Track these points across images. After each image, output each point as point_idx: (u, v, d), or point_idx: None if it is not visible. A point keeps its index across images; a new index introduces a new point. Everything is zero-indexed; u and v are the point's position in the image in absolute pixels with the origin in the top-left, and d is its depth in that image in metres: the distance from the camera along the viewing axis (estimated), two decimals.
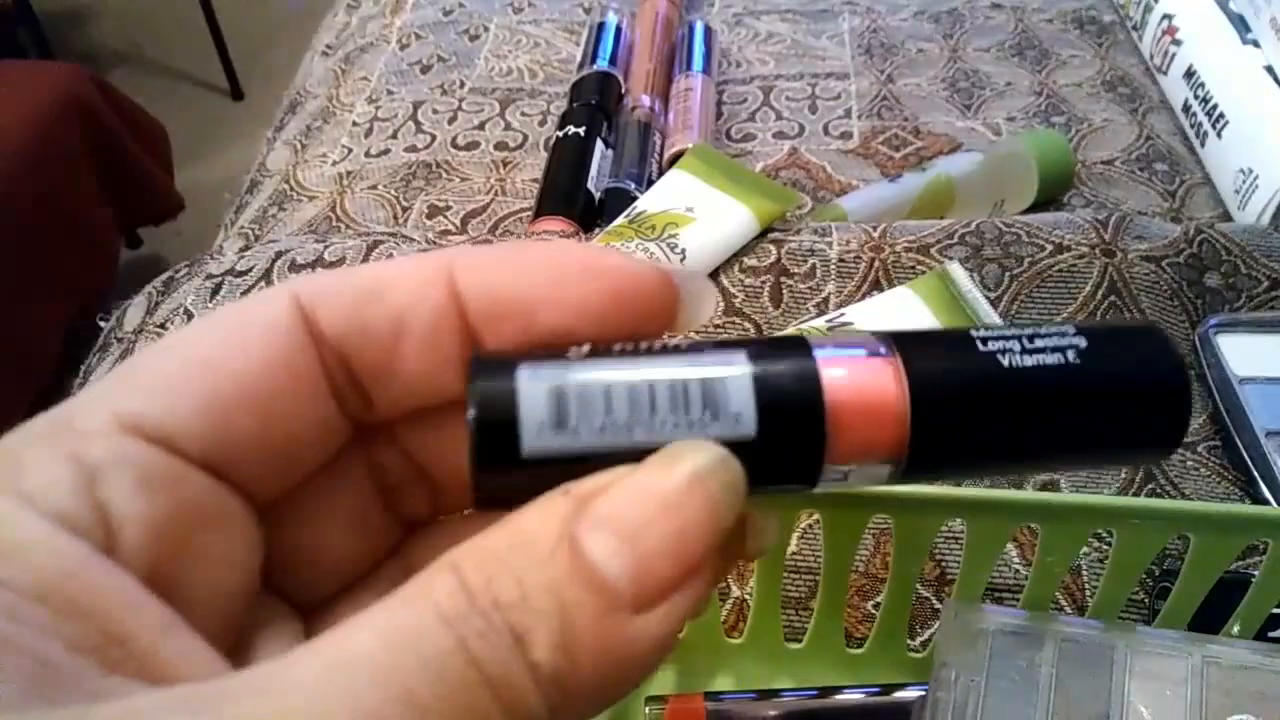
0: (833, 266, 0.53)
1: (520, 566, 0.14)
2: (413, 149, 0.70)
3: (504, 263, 0.17)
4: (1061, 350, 0.17)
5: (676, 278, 0.18)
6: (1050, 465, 0.18)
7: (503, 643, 0.13)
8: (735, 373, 0.16)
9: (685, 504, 0.14)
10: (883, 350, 0.17)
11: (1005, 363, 0.17)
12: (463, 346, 0.17)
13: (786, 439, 0.16)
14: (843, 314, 0.49)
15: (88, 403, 0.15)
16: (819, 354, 0.17)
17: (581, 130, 0.64)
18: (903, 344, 0.17)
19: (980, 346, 0.17)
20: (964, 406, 0.17)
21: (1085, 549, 0.42)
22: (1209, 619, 0.35)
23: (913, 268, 0.52)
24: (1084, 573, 0.42)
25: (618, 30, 0.73)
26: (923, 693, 0.35)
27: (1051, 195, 0.61)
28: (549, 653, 0.13)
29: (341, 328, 0.16)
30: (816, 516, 0.43)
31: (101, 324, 0.61)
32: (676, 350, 0.16)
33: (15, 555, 0.13)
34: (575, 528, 0.14)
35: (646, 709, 0.35)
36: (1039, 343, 0.17)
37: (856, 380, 0.16)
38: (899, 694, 0.35)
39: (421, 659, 0.13)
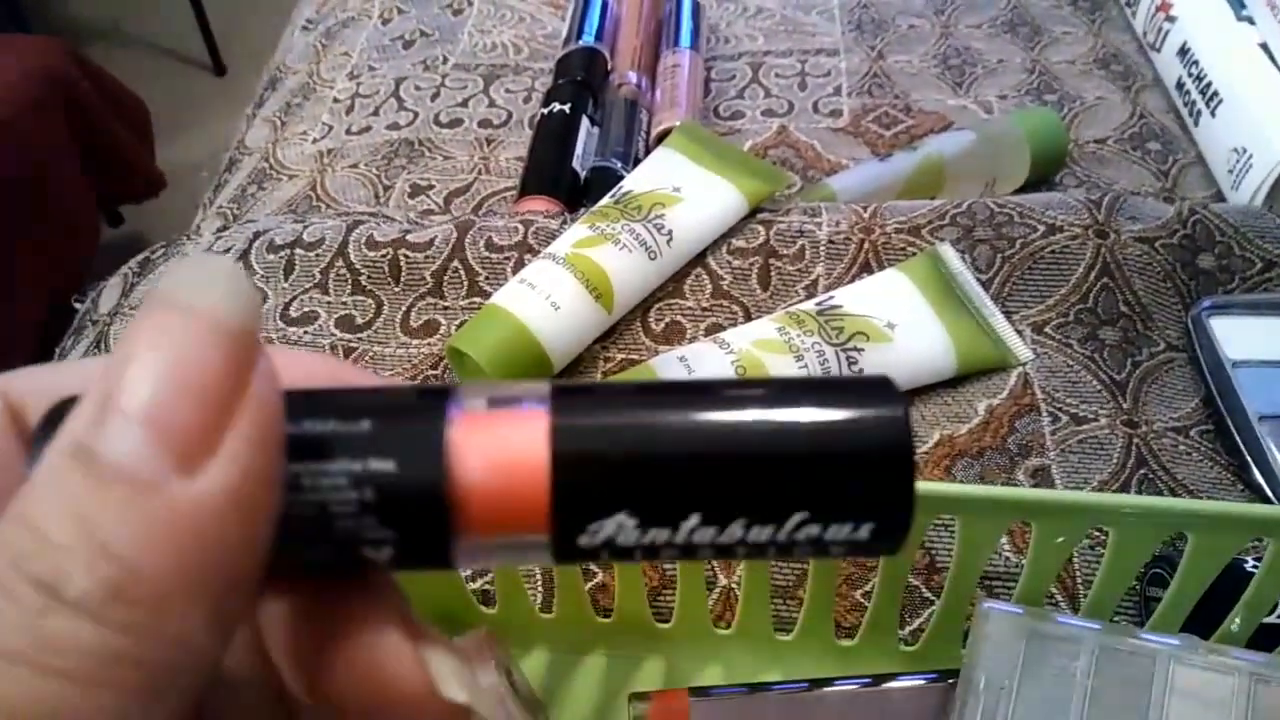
0: (822, 248, 0.52)
1: (30, 515, 0.12)
2: (395, 126, 0.68)
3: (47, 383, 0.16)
4: (759, 400, 0.14)
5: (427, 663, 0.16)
6: (737, 552, 0.15)
7: (25, 593, 0.11)
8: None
9: (167, 326, 0.12)
10: (535, 405, 0.14)
11: (684, 417, 0.14)
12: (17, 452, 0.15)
13: (410, 519, 0.14)
14: (832, 296, 0.48)
15: None
16: (452, 413, 0.14)
17: (567, 107, 0.63)
18: (561, 397, 0.14)
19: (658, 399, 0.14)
20: (620, 474, 0.14)
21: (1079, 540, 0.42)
22: (1207, 613, 0.35)
23: (903, 249, 0.51)
24: (1076, 562, 0.42)
25: (604, 5, 0.72)
26: (918, 683, 0.35)
27: (1044, 174, 0.60)
28: (87, 579, 0.11)
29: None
30: None
31: (77, 306, 0.60)
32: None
33: None
34: (79, 435, 0.12)
35: (630, 705, 0.35)
36: (731, 393, 0.14)
37: (490, 444, 0.14)
38: (889, 685, 0.35)
39: None
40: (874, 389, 0.14)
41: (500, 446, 0.14)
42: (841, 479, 0.14)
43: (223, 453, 0.12)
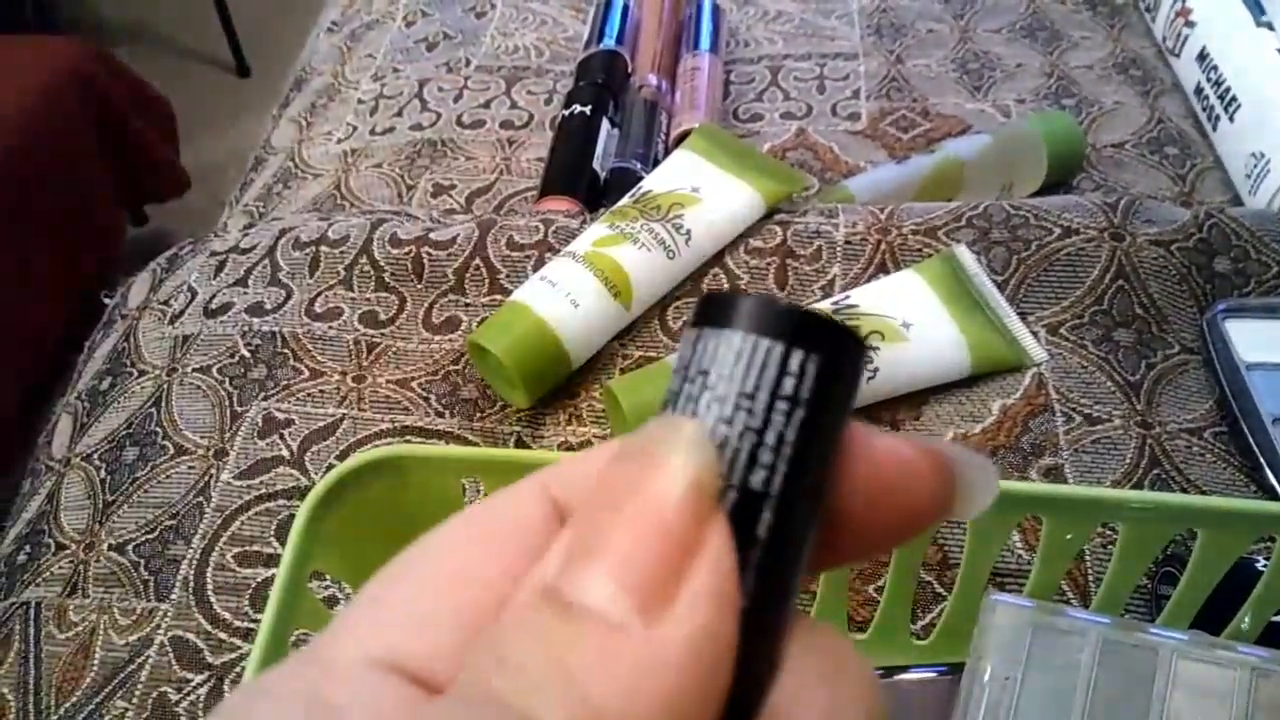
0: (839, 249, 0.53)
1: (503, 647, 0.12)
2: (418, 127, 0.69)
3: None
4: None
5: (953, 463, 0.15)
6: None
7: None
8: None
9: (641, 481, 0.13)
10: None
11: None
12: None
13: None
14: (848, 296, 0.48)
15: (343, 633, 0.14)
16: None
17: (588, 109, 0.64)
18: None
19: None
20: None
21: (1090, 536, 0.42)
22: (1217, 610, 0.35)
23: (920, 250, 0.52)
24: (1088, 559, 0.42)
25: (625, 8, 0.72)
26: (928, 675, 0.35)
27: (1061, 178, 0.60)
28: (560, 712, 0.11)
29: None
30: None
31: (106, 301, 0.61)
32: None
33: None
34: (550, 579, 0.13)
35: None
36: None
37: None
38: (901, 676, 0.35)
39: None
40: None
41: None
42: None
43: (680, 604, 0.12)
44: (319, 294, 0.54)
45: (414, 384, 0.50)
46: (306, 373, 0.51)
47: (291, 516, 0.46)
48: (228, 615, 0.43)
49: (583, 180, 0.60)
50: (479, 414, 0.49)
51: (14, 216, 1.28)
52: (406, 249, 0.54)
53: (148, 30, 2.29)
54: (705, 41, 0.69)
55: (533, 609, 0.12)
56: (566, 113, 0.64)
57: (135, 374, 0.53)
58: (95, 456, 0.50)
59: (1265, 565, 0.34)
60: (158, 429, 0.50)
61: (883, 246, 0.52)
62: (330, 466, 0.47)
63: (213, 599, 0.44)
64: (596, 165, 0.61)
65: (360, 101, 0.73)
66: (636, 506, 0.12)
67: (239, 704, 0.14)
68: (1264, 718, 0.30)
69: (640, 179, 0.55)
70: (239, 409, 0.50)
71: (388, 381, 0.50)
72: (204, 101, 1.99)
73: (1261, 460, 0.44)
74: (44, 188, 1.34)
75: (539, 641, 0.12)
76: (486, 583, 0.14)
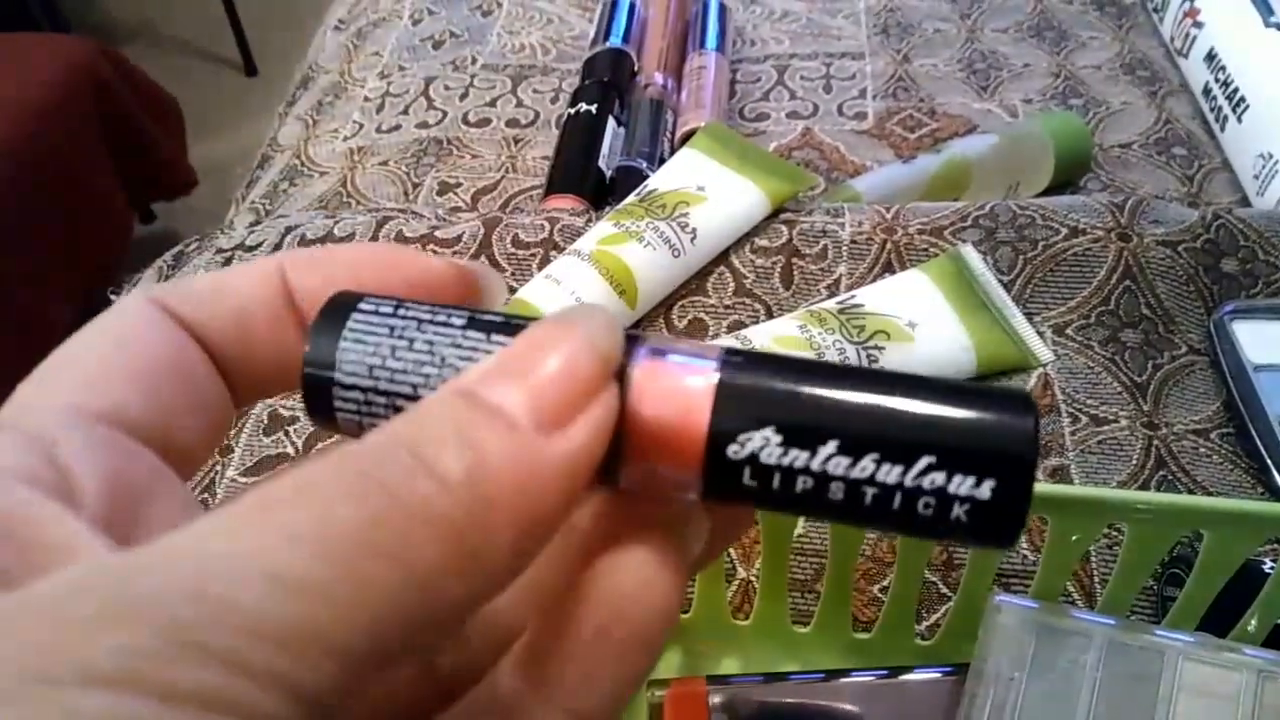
0: (845, 248, 0.52)
1: (419, 420, 0.15)
2: (424, 125, 0.69)
3: (321, 261, 0.19)
4: (909, 377, 0.16)
5: (469, 271, 0.20)
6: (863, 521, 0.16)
7: (399, 457, 0.14)
8: None
9: (562, 339, 0.15)
10: (711, 363, 0.16)
11: (839, 371, 0.16)
12: (298, 334, 0.19)
13: None
14: (854, 295, 0.48)
15: (33, 393, 0.17)
16: (640, 354, 0.16)
17: (593, 107, 0.64)
18: (730, 353, 0.16)
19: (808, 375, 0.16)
20: (772, 396, 0.16)
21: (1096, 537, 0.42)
22: (1223, 613, 0.35)
23: (925, 250, 0.52)
24: (1093, 561, 0.42)
25: (631, 7, 0.72)
26: (933, 676, 0.35)
27: (1068, 178, 0.60)
28: (451, 461, 0.14)
29: (197, 319, 0.19)
30: None
31: (113, 297, 0.61)
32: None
33: None
34: (467, 385, 0.15)
35: (649, 692, 0.35)
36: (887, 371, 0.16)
37: (662, 386, 0.16)
38: (905, 677, 0.35)
39: (322, 485, 0.13)
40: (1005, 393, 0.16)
41: (673, 385, 0.16)
42: (969, 433, 0.15)
43: (572, 427, 0.15)
44: None
45: None
46: None
47: None
48: None
49: (588, 179, 0.60)
50: None
51: (22, 214, 1.28)
52: (412, 246, 0.54)
53: (156, 30, 2.30)
54: (712, 40, 0.69)
55: (446, 398, 0.15)
56: (572, 111, 0.64)
57: None
58: None
59: (1272, 567, 0.34)
60: None
61: (888, 246, 0.52)
62: None
63: None
64: (602, 164, 0.61)
65: (366, 99, 0.73)
66: (557, 353, 0.15)
67: None
68: (1271, 718, 0.30)
69: (646, 177, 0.55)
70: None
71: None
72: (211, 101, 2.00)
73: (1269, 462, 0.44)
74: (52, 185, 1.34)
75: (447, 416, 0.14)
76: (136, 354, 0.18)
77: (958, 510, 0.15)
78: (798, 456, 0.15)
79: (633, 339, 0.17)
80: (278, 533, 0.13)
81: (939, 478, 0.15)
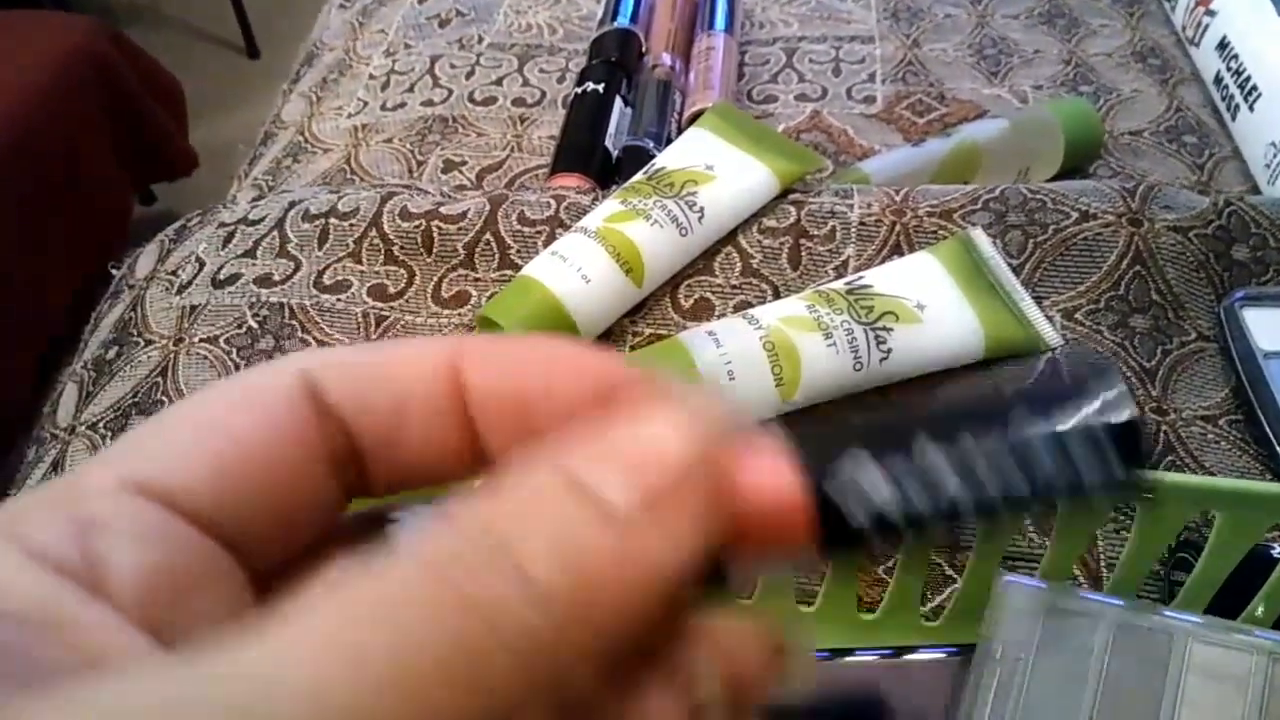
0: (853, 229, 0.52)
1: (512, 501, 0.13)
2: (429, 103, 0.69)
3: (505, 356, 0.17)
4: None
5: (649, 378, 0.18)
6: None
7: (488, 559, 0.12)
8: None
9: (676, 435, 0.14)
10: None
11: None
12: (460, 433, 0.17)
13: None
14: (861, 276, 0.48)
15: (96, 465, 0.16)
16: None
17: (600, 87, 0.63)
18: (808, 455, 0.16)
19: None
20: (852, 432, 0.15)
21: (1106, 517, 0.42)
22: (1231, 598, 0.35)
23: (935, 232, 0.51)
24: (1100, 545, 0.42)
25: None
26: (938, 656, 0.35)
27: (1078, 164, 0.59)
28: (544, 565, 0.13)
29: (347, 404, 0.17)
30: None
31: (113, 272, 0.61)
32: None
33: None
34: (569, 465, 0.14)
35: None
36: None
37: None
38: (910, 657, 0.35)
39: (401, 603, 0.12)
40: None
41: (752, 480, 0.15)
42: (1040, 383, 0.15)
43: (674, 523, 0.14)
44: (328, 266, 0.54)
45: None
46: (314, 344, 0.51)
47: None
48: None
49: (595, 158, 0.60)
50: None
51: (21, 193, 1.27)
52: (417, 223, 0.54)
53: (158, 10, 2.29)
54: (720, 21, 0.68)
55: (545, 474, 0.14)
56: (579, 90, 0.64)
57: (142, 344, 0.52)
58: (101, 425, 0.49)
59: None
60: (164, 398, 0.49)
61: (898, 228, 0.52)
62: None
63: None
64: (609, 143, 0.61)
65: (371, 77, 0.73)
66: (678, 434, 0.14)
67: None
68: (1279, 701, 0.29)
69: (653, 158, 0.55)
70: None
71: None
72: (213, 83, 1.99)
73: (1277, 448, 0.44)
74: (52, 165, 1.33)
75: (540, 500, 0.13)
76: (235, 438, 0.16)
77: (1080, 455, 0.15)
78: (895, 465, 0.15)
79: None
80: (346, 660, 0.12)
81: (1042, 426, 0.15)
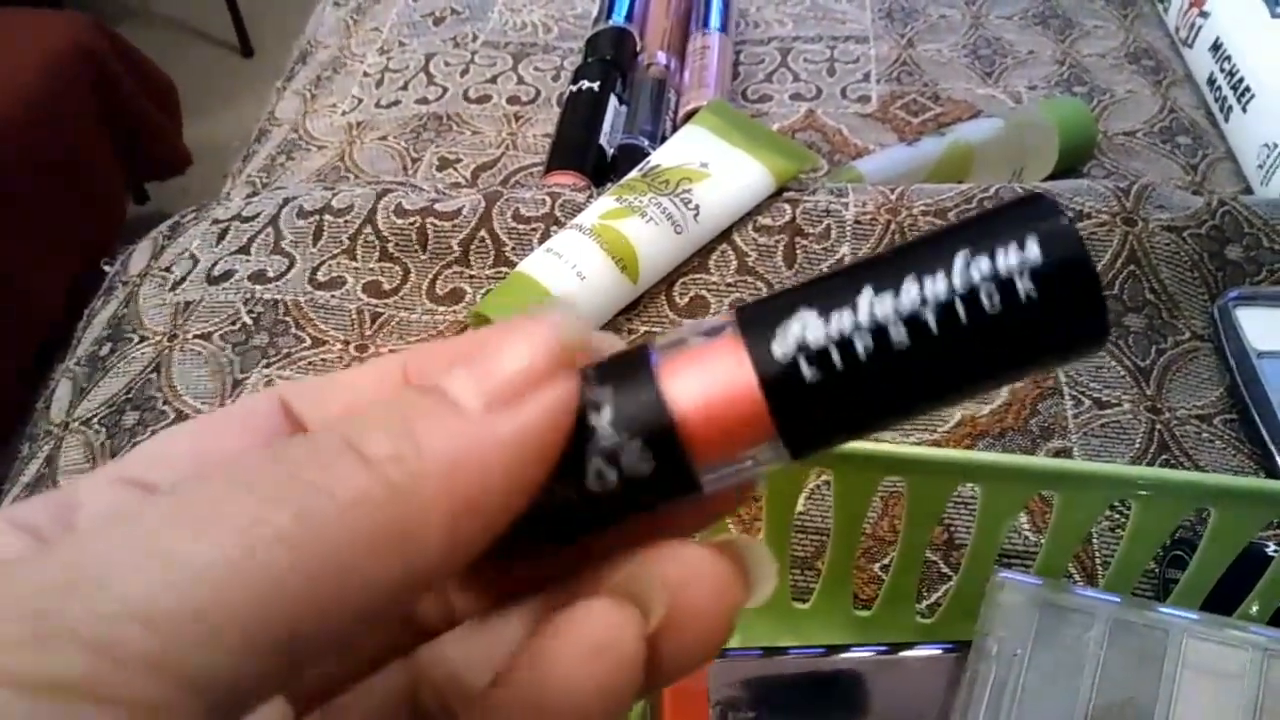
0: (848, 228, 0.52)
1: (364, 409, 0.15)
2: (424, 101, 0.69)
3: (447, 346, 0.18)
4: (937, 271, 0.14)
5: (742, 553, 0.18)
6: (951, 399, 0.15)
7: (333, 448, 0.13)
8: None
9: (520, 329, 0.15)
10: (725, 329, 0.15)
11: (869, 310, 0.15)
12: None
13: (653, 475, 0.15)
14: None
15: (88, 475, 0.16)
16: (656, 363, 0.15)
17: (595, 85, 0.63)
18: (746, 314, 0.15)
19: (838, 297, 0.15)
20: (793, 297, 0.15)
21: (1098, 518, 0.42)
22: (1225, 596, 0.35)
23: None
24: (1095, 542, 0.42)
25: None
26: (934, 652, 0.35)
27: (1072, 164, 0.60)
28: (383, 443, 0.13)
29: (310, 412, 0.18)
30: (825, 477, 0.43)
31: (106, 268, 0.60)
32: None
33: None
34: (428, 382, 0.15)
35: None
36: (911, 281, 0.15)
37: (699, 379, 0.15)
38: (906, 653, 0.35)
39: (245, 483, 0.13)
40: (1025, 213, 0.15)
41: (699, 356, 0.15)
42: (988, 216, 0.14)
43: (517, 410, 0.14)
44: (322, 263, 0.53)
45: None
46: (309, 341, 0.51)
47: None
48: None
49: (590, 155, 0.60)
50: None
51: (15, 192, 1.27)
52: (411, 219, 0.53)
53: (152, 9, 2.28)
54: (715, 20, 0.68)
55: (399, 390, 0.15)
56: (574, 88, 0.64)
57: (136, 340, 0.52)
58: (95, 421, 0.49)
59: (1276, 551, 0.34)
60: (158, 394, 0.49)
61: (892, 226, 0.52)
62: None
63: None
64: (604, 141, 0.61)
65: (365, 74, 0.72)
66: (514, 343, 0.15)
67: None
68: (1275, 699, 0.29)
69: (648, 155, 0.55)
70: (240, 376, 0.50)
71: (390, 351, 0.50)
72: (207, 81, 1.99)
73: (1271, 448, 0.44)
74: (45, 163, 1.33)
75: (392, 405, 0.14)
76: (219, 453, 0.17)
77: (1023, 287, 0.14)
78: (841, 320, 0.14)
79: (639, 350, 0.16)
80: (187, 525, 0.12)
81: (983, 263, 0.14)
